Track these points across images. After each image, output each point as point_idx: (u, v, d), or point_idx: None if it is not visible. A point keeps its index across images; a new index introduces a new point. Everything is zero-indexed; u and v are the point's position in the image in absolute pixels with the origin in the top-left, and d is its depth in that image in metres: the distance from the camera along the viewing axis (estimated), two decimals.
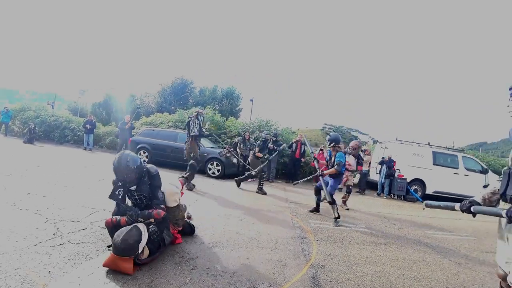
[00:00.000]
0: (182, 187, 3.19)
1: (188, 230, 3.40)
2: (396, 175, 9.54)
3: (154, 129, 11.20)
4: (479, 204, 1.79)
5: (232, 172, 9.46)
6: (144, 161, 2.79)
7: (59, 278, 2.13)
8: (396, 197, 9.54)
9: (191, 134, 6.58)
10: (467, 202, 1.78)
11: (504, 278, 1.76)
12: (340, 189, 7.77)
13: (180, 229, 3.21)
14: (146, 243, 2.54)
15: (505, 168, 1.77)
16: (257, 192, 7.09)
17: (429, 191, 9.80)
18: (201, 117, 6.84)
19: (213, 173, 9.05)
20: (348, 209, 6.41)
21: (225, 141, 11.73)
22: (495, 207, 1.68)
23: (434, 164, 9.85)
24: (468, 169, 9.90)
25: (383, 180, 9.78)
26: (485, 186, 9.53)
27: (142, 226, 2.57)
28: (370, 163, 10.61)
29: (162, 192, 2.91)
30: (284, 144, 9.20)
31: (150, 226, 2.65)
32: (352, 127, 34.60)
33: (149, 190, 2.83)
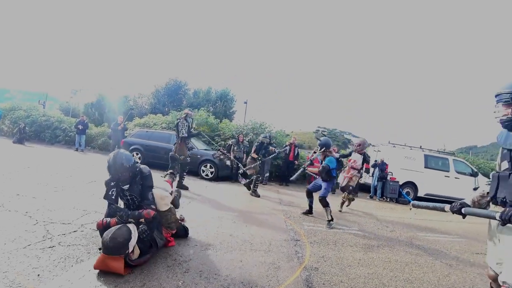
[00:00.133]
0: (172, 187, 3.15)
1: (182, 233, 3.38)
2: (388, 178, 9.64)
3: (148, 130, 11.10)
4: (469, 206, 1.82)
5: (226, 174, 9.44)
6: (137, 162, 2.77)
7: (48, 281, 2.09)
8: (388, 200, 9.63)
9: (180, 135, 6.56)
10: (458, 203, 1.80)
11: (494, 279, 1.79)
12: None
13: (173, 232, 3.18)
14: (137, 243, 2.52)
15: (493, 172, 1.81)
16: (251, 195, 7.08)
17: (421, 193, 9.91)
18: (190, 119, 6.79)
19: (207, 175, 9.01)
20: (340, 211, 6.41)
21: (218, 143, 11.70)
22: (486, 209, 1.70)
23: (425, 167, 9.98)
24: (458, 172, 10.05)
25: (375, 183, 9.87)
26: (475, 189, 9.68)
27: (131, 226, 2.55)
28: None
29: (152, 195, 2.88)
30: (282, 150, 9.20)
31: (140, 226, 2.63)
32: (346, 130, 34.93)
33: (140, 191, 2.81)
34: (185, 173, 6.78)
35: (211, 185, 8.04)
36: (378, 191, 9.77)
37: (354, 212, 6.74)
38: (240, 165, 8.06)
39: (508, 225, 1.61)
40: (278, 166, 11.08)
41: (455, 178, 9.94)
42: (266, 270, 2.81)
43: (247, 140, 10.76)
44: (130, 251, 2.42)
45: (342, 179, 6.85)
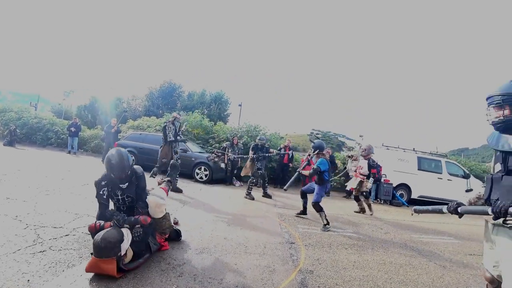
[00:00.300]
0: (167, 194, 3.11)
1: (174, 235, 3.34)
2: (382, 180, 9.69)
3: (141, 133, 11.02)
4: (464, 205, 1.83)
5: (220, 177, 9.40)
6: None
7: (38, 287, 2.05)
8: (382, 202, 9.68)
9: (167, 139, 6.55)
10: (454, 203, 1.80)
11: (491, 281, 1.80)
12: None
13: (166, 236, 3.15)
14: (130, 245, 2.49)
15: (488, 174, 1.82)
16: (245, 197, 7.06)
17: (414, 195, 9.99)
18: (177, 123, 6.77)
19: (201, 178, 8.96)
20: (371, 214, 6.54)
21: (213, 146, 11.66)
22: (483, 206, 1.71)
23: (419, 169, 10.07)
24: (451, 174, 10.16)
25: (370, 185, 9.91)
26: (467, 191, 9.80)
27: (124, 229, 2.51)
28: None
29: (146, 202, 2.84)
30: (281, 153, 9.20)
31: (134, 229, 2.61)
32: (340, 132, 35.09)
33: (135, 191, 2.79)
34: (177, 176, 6.74)
35: (205, 188, 7.99)
36: (372, 193, 9.80)
37: (348, 214, 6.75)
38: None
39: (504, 228, 1.62)
40: (273, 169, 11.08)
41: (448, 180, 10.04)
42: (261, 273, 2.79)
43: (241, 142, 10.75)
44: (122, 254, 2.38)
45: (351, 186, 7.01)
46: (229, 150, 9.36)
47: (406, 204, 9.44)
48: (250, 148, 7.73)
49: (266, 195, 7.55)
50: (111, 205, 2.83)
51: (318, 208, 5.00)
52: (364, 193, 6.78)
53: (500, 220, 1.60)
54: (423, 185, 9.93)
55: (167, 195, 3.04)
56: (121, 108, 21.18)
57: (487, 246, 1.83)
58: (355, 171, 6.77)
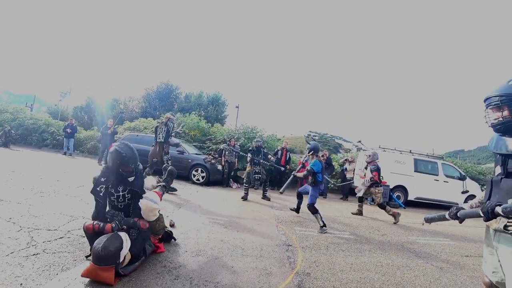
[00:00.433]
0: (161, 199, 3.05)
1: (165, 236, 3.29)
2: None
3: (138, 134, 10.97)
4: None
5: (217, 179, 9.38)
6: None
7: None
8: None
9: (157, 140, 6.55)
10: (454, 208, 1.77)
11: (490, 286, 1.77)
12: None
13: (159, 237, 3.12)
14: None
15: (488, 177, 1.81)
16: (244, 199, 7.07)
17: (411, 197, 10.02)
18: (171, 123, 6.73)
19: (198, 179, 8.92)
20: (397, 219, 6.38)
21: (210, 148, 11.65)
22: (476, 209, 1.68)
23: (415, 171, 10.10)
24: (447, 176, 10.20)
25: None
26: (463, 192, 9.91)
27: (123, 234, 2.48)
28: (354, 171, 10.80)
29: (139, 207, 2.79)
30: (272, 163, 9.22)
31: (130, 230, 2.58)
32: (337, 134, 35.23)
33: (137, 187, 2.81)
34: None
35: (202, 190, 7.96)
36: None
37: (345, 216, 6.75)
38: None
39: (506, 235, 1.57)
40: (270, 171, 11.07)
41: (444, 181, 10.09)
42: (257, 276, 2.77)
43: (238, 144, 10.73)
44: (121, 260, 2.34)
45: (361, 189, 7.00)
46: (226, 152, 9.34)
47: (403, 206, 9.47)
48: (248, 151, 7.83)
49: (265, 197, 7.54)
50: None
51: (314, 210, 5.02)
52: (383, 203, 6.72)
53: (501, 226, 1.58)
54: (420, 186, 9.97)
55: (161, 199, 3.00)
56: (118, 109, 21.12)
57: (487, 252, 1.78)
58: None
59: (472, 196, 10.23)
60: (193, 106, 24.71)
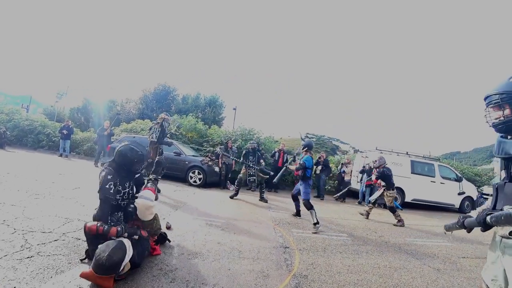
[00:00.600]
0: (156, 196, 3.03)
1: (160, 238, 3.27)
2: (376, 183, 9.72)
3: (135, 136, 10.92)
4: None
5: (214, 181, 9.34)
6: None
7: None
8: (376, 206, 9.70)
9: (149, 139, 6.57)
10: (461, 217, 1.70)
11: None
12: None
13: (155, 239, 3.10)
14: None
15: (492, 181, 1.76)
16: (230, 197, 7.34)
17: (408, 199, 10.05)
18: (166, 123, 6.71)
19: (195, 181, 8.89)
20: (402, 225, 6.42)
21: (207, 150, 11.62)
22: (475, 218, 1.62)
23: (412, 172, 10.14)
24: (444, 177, 10.25)
25: (364, 189, 9.96)
26: (460, 194, 9.95)
27: (127, 242, 2.42)
28: (351, 172, 10.83)
29: (135, 206, 2.77)
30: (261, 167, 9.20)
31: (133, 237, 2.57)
32: (334, 136, 35.35)
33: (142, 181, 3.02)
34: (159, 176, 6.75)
35: (199, 192, 7.92)
36: (367, 197, 9.84)
37: (342, 218, 6.75)
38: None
39: (511, 241, 1.50)
40: (267, 173, 11.06)
41: (441, 183, 10.13)
42: (254, 278, 2.75)
43: (235, 146, 10.71)
44: (120, 270, 2.30)
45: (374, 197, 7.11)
46: (223, 154, 9.31)
47: (400, 208, 9.48)
48: (242, 154, 7.92)
49: (262, 199, 7.53)
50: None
51: (309, 206, 5.25)
52: (392, 207, 6.74)
53: (506, 232, 1.52)
54: (417, 188, 10.00)
55: (155, 194, 2.98)
56: (115, 110, 21.03)
57: (491, 258, 1.69)
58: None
59: (469, 198, 10.30)
60: (191, 108, 24.70)
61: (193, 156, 9.73)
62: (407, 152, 10.71)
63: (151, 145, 6.50)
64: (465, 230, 1.70)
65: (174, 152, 9.13)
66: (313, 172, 11.12)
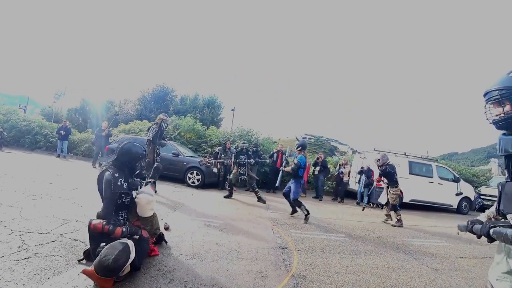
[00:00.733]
0: (153, 192, 3.08)
1: (157, 238, 3.26)
2: (374, 184, 9.74)
3: (133, 136, 10.89)
4: (481, 223, 1.64)
5: (212, 182, 9.33)
6: None
7: None
8: (374, 206, 9.73)
9: (146, 138, 6.62)
10: (469, 222, 1.66)
11: None
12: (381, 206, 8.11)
13: (154, 240, 3.09)
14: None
15: (490, 181, 1.73)
16: (224, 197, 7.47)
17: (406, 199, 10.06)
18: (164, 124, 6.71)
19: (193, 182, 8.87)
20: (400, 226, 6.50)
21: (205, 150, 11.61)
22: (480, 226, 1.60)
23: (410, 173, 10.16)
24: (441, 178, 10.28)
25: (362, 189, 9.97)
26: (457, 194, 9.97)
27: (131, 245, 2.40)
28: (349, 173, 10.84)
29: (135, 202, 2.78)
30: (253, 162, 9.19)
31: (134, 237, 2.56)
32: (332, 137, 35.42)
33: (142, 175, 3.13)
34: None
35: (197, 193, 7.91)
36: (365, 198, 9.86)
37: (341, 218, 6.76)
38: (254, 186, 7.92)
39: None
40: (265, 173, 11.06)
41: (439, 183, 10.16)
42: (253, 279, 2.75)
43: (234, 147, 10.71)
44: (122, 271, 2.29)
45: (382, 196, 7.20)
46: (222, 155, 9.31)
47: (398, 208, 9.50)
48: (233, 154, 8.09)
49: (260, 200, 7.50)
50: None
51: (298, 204, 5.75)
52: (395, 205, 6.80)
53: None
54: (415, 189, 10.02)
55: (153, 191, 3.04)
56: (113, 111, 20.97)
57: (496, 259, 1.68)
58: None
59: (466, 199, 10.34)
60: (189, 109, 24.67)
61: (191, 157, 9.72)
62: (405, 153, 10.73)
63: (148, 145, 6.50)
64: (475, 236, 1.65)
65: (172, 153, 9.12)
66: (311, 173, 11.17)
